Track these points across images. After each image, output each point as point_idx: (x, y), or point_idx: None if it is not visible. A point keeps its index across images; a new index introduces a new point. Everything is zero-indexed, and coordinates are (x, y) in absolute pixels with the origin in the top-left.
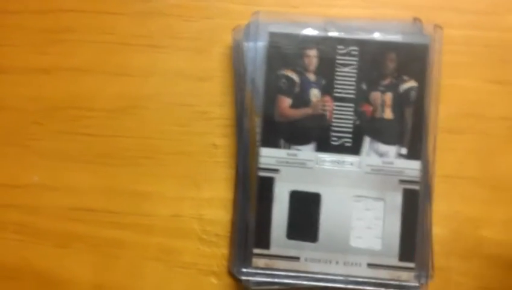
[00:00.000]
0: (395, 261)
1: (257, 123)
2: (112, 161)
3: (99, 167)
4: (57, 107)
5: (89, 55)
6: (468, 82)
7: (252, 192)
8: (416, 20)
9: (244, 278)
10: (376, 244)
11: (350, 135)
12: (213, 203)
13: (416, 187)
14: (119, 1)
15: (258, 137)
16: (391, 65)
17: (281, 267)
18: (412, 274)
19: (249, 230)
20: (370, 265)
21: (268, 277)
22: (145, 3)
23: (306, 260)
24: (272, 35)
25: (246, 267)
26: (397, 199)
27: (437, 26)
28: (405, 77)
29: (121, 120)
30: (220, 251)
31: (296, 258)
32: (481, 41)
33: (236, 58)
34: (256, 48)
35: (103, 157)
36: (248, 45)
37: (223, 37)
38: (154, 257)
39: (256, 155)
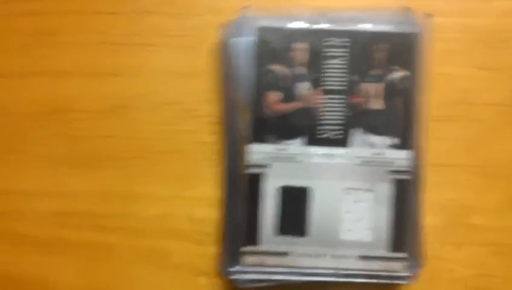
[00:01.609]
0: (386, 252)
1: (246, 119)
2: (102, 162)
3: (88, 170)
4: (46, 110)
5: (78, 56)
6: (458, 69)
7: (241, 189)
8: (406, 9)
9: (233, 277)
10: (367, 236)
11: (341, 127)
12: (203, 201)
13: (406, 177)
14: (107, 0)
15: (246, 133)
16: (381, 55)
17: (271, 264)
18: (403, 264)
19: (238, 228)
20: (361, 257)
21: (258, 274)
22: (134, 2)
23: (296, 255)
24: (261, 29)
25: (235, 266)
26: (387, 189)
27: (427, 15)
28: (396, 67)
29: (110, 121)
30: (210, 250)
31: (286, 254)
32: (471, 29)
33: (225, 54)
34: (245, 43)
35: (92, 159)
36: (237, 40)
37: (212, 34)
38: (145, 259)
39: (244, 151)
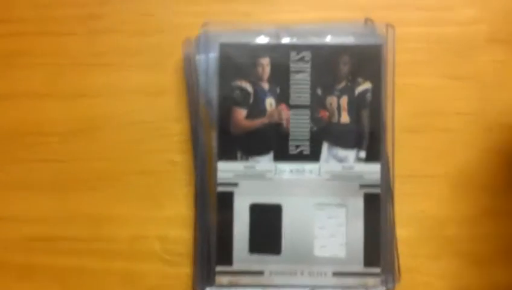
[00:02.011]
0: (360, 267)
1: (213, 137)
2: (70, 186)
3: (57, 194)
4: (10, 134)
5: (41, 79)
6: (424, 79)
7: (212, 208)
8: (367, 20)
9: None
10: (340, 252)
11: (308, 142)
12: (175, 222)
13: (377, 191)
14: (69, 21)
15: (214, 151)
16: (345, 68)
17: (245, 283)
18: (378, 279)
19: (211, 247)
20: (335, 274)
21: None
22: (95, 22)
23: (270, 273)
24: (223, 46)
25: (209, 286)
26: (359, 204)
27: (389, 25)
28: (360, 79)
29: (76, 143)
30: (184, 271)
31: (260, 273)
32: (436, 38)
33: (188, 71)
34: (208, 60)
35: (60, 183)
36: (199, 58)
37: (175, 51)
38: (118, 282)
39: (213, 170)
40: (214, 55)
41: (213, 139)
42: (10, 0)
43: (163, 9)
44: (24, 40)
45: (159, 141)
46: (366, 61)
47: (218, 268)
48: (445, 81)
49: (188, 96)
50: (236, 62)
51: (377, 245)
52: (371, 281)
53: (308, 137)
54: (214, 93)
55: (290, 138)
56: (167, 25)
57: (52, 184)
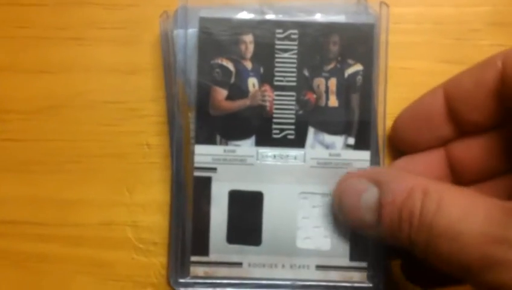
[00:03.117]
0: (345, 261)
1: (191, 118)
2: (34, 167)
3: (20, 175)
4: None
5: (3, 52)
6: (419, 63)
7: (188, 194)
8: None
9: (182, 289)
10: (325, 244)
11: (293, 127)
12: (148, 208)
13: None
14: None
15: (192, 134)
16: (334, 48)
17: (222, 275)
18: (364, 274)
19: (186, 236)
20: (319, 267)
21: (208, 286)
22: None
23: (249, 265)
24: (203, 20)
25: (183, 278)
26: None
27: (383, 3)
28: (350, 61)
29: (42, 122)
30: (158, 260)
31: (239, 264)
32: (432, 19)
33: (166, 48)
34: (187, 36)
35: (24, 164)
36: (177, 33)
37: (151, 26)
38: (85, 270)
39: (191, 153)
40: (193, 30)
41: (191, 121)
42: None
43: None
44: None
45: (133, 122)
46: (357, 41)
47: (194, 258)
48: (441, 65)
49: (165, 75)
50: (217, 38)
51: (364, 238)
52: (356, 275)
53: (293, 121)
54: (192, 71)
55: (274, 121)
56: None
57: (14, 165)
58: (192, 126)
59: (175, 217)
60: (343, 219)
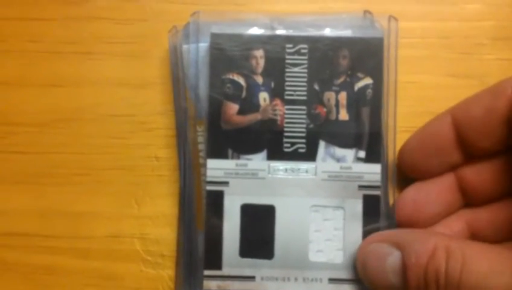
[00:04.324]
0: (357, 274)
1: (200, 132)
2: (43, 180)
3: (30, 187)
4: None
5: (14, 66)
6: (426, 77)
7: (198, 206)
8: (366, 12)
9: None
10: (337, 257)
11: (304, 140)
12: (157, 221)
13: (377, 192)
14: (46, 6)
15: (202, 147)
16: (344, 62)
17: (235, 288)
18: None
19: (196, 249)
20: (331, 280)
21: None
22: (75, 7)
23: (262, 278)
24: (214, 36)
25: None
26: (357, 206)
27: (392, 18)
28: (360, 74)
29: (52, 135)
30: (166, 273)
31: (252, 278)
32: (438, 33)
33: (175, 62)
34: (198, 51)
35: (33, 176)
36: (188, 48)
37: (160, 41)
38: (93, 282)
39: (200, 167)
40: (204, 45)
41: (200, 135)
42: None
43: None
44: None
45: (141, 135)
46: (366, 55)
47: (207, 272)
48: (447, 79)
49: (174, 88)
50: (228, 54)
51: None
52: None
53: (304, 135)
54: (203, 86)
55: (285, 135)
56: (152, 13)
57: (24, 177)
58: (200, 139)
59: (186, 231)
60: (368, 282)
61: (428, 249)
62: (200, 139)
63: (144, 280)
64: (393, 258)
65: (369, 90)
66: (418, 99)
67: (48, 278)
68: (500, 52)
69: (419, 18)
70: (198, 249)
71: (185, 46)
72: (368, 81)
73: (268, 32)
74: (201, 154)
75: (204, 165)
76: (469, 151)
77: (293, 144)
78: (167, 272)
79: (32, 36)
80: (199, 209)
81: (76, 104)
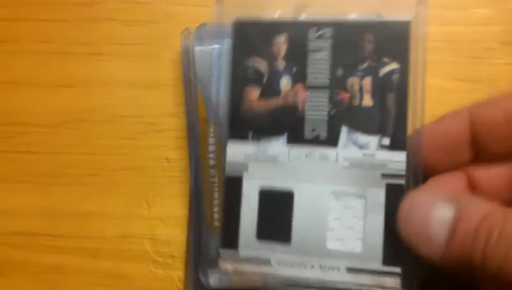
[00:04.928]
0: (378, 265)
1: (211, 134)
2: (54, 180)
3: (40, 187)
4: None
5: (27, 67)
6: (434, 81)
7: (207, 208)
8: None
9: (212, 281)
10: (357, 247)
11: (325, 126)
12: (167, 221)
13: (401, 181)
14: (57, 7)
15: (212, 149)
16: (369, 47)
17: (251, 271)
18: (398, 280)
19: (206, 250)
20: (350, 269)
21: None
22: (86, 8)
23: (278, 263)
24: (237, 22)
25: (212, 271)
26: (380, 195)
27: (420, 1)
28: (385, 59)
29: (63, 135)
30: (175, 274)
31: (268, 262)
32: (447, 38)
33: (186, 64)
34: (209, 52)
35: (44, 176)
36: (201, 50)
37: (172, 42)
38: (103, 282)
39: (209, 169)
40: (215, 46)
41: (212, 137)
42: None
43: None
44: (9, 26)
45: (152, 136)
46: (392, 39)
47: (223, 251)
48: (456, 83)
49: (185, 90)
50: (250, 40)
51: (399, 242)
52: (389, 281)
53: (325, 120)
54: (214, 89)
55: (306, 120)
56: (164, 15)
57: (34, 177)
58: (211, 141)
59: (195, 232)
60: (406, 235)
61: (486, 210)
62: (211, 140)
63: (153, 280)
64: (444, 210)
65: (395, 76)
66: (427, 103)
67: (57, 278)
68: (509, 57)
69: (428, 22)
70: (208, 250)
71: (197, 48)
72: (393, 66)
73: (291, 18)
74: (210, 155)
75: (224, 152)
76: (482, 154)
77: (314, 129)
78: (176, 273)
79: (43, 37)
80: (209, 211)
81: (87, 105)
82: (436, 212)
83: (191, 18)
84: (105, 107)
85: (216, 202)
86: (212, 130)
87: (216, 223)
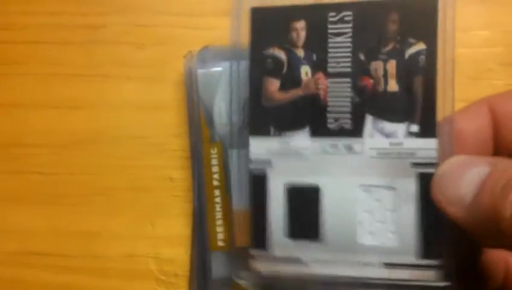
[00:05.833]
0: (414, 259)
1: (213, 154)
2: (62, 200)
3: (47, 207)
4: (1, 145)
5: (35, 89)
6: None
7: (210, 227)
8: None
9: (244, 282)
10: (391, 240)
11: (349, 115)
12: (171, 241)
13: (433, 170)
14: (64, 30)
15: (215, 169)
16: (393, 27)
17: (283, 271)
18: (436, 273)
19: (209, 270)
20: (385, 264)
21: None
22: (93, 32)
23: (312, 262)
24: (255, 11)
25: (245, 271)
26: (411, 185)
27: None
28: (411, 40)
29: (70, 156)
30: None
31: (300, 261)
32: None
33: (189, 86)
34: (212, 75)
35: (50, 197)
36: (204, 72)
37: (176, 65)
38: None
39: (213, 189)
40: (218, 69)
41: (215, 158)
42: (5, 7)
43: (165, 21)
44: (18, 49)
45: (156, 157)
46: (419, 18)
47: (253, 252)
48: (457, 104)
49: (189, 112)
50: (268, 28)
51: (435, 233)
52: (427, 274)
53: (349, 109)
54: (217, 110)
55: (329, 110)
56: (168, 38)
57: (41, 197)
58: (214, 161)
59: (199, 251)
60: (438, 197)
61: None
62: (213, 161)
63: None
64: (479, 169)
65: (422, 57)
66: None
67: None
68: (509, 78)
69: None
70: (211, 270)
71: (199, 71)
72: (420, 46)
73: (309, 2)
74: (214, 176)
75: (248, 147)
76: (501, 147)
77: (337, 119)
78: None
79: (51, 59)
80: (212, 230)
81: (94, 126)
82: (470, 170)
83: (193, 41)
84: (112, 128)
85: (220, 222)
86: (214, 151)
87: (220, 244)
